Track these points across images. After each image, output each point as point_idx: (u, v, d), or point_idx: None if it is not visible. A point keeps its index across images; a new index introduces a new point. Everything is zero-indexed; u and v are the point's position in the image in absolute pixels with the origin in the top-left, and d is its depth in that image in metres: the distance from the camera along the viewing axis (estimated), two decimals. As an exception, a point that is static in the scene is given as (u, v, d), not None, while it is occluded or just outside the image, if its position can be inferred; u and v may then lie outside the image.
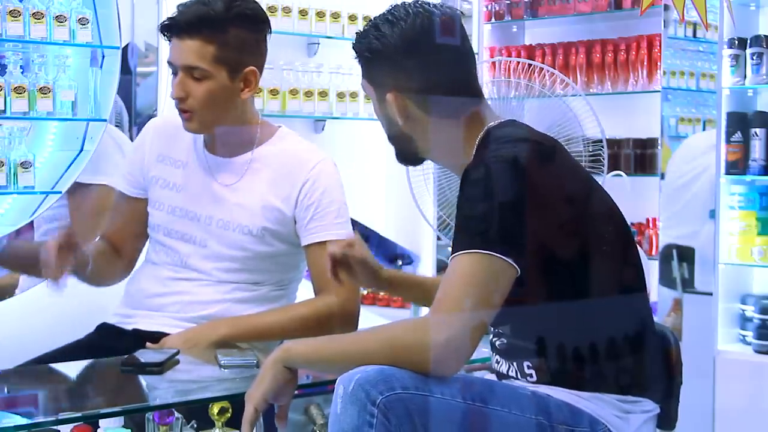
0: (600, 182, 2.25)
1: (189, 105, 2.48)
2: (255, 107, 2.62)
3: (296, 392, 1.91)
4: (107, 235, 2.71)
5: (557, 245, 1.84)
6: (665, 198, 4.33)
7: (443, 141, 2.00)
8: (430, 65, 1.95)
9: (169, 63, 2.50)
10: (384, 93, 1.98)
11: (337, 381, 1.74)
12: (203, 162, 2.57)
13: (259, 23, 2.53)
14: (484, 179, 1.82)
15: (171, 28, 2.47)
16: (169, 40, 2.50)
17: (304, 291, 2.65)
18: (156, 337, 2.45)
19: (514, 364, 1.92)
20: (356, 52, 2.02)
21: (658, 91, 4.41)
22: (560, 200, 1.86)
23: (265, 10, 2.58)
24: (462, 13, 2.03)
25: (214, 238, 2.52)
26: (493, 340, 1.97)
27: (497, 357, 1.98)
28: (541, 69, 3.43)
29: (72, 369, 2.34)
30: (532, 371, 1.89)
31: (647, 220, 4.50)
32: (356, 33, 2.03)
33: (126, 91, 3.68)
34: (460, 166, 1.93)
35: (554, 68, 4.71)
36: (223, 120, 2.52)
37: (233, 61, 2.47)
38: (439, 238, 4.23)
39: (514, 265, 1.76)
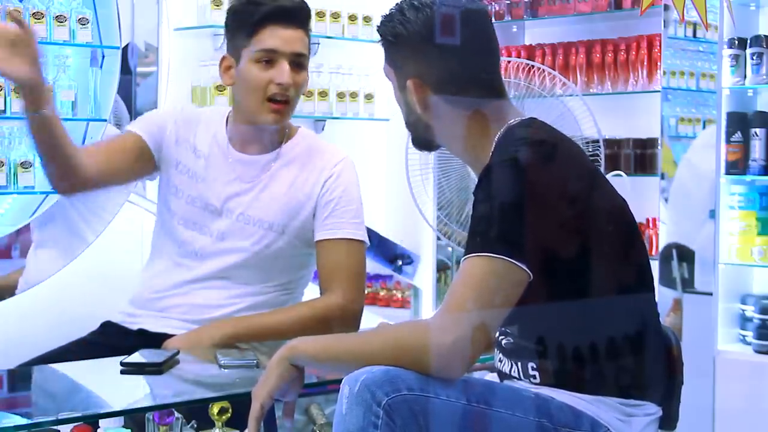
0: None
1: (290, 94, 2.49)
2: None
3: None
4: (91, 146, 2.64)
5: (571, 250, 1.82)
6: (689, 200, 4.32)
7: (461, 133, 1.97)
8: (453, 55, 1.94)
9: (269, 51, 2.46)
10: (404, 79, 1.96)
11: (342, 381, 1.74)
12: (227, 158, 2.57)
13: None
14: (500, 181, 1.81)
15: (278, 15, 2.46)
16: (253, 29, 2.46)
17: (309, 293, 2.66)
18: (161, 338, 2.46)
19: (518, 364, 1.92)
20: (380, 35, 2.00)
21: (658, 91, 4.41)
22: (575, 205, 1.83)
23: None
24: None
25: (233, 231, 2.52)
26: (500, 338, 1.96)
27: (501, 356, 1.98)
28: (539, 69, 3.43)
29: (72, 369, 2.34)
30: (536, 372, 1.89)
31: (647, 220, 4.49)
32: (381, 16, 2.00)
33: (126, 91, 3.68)
34: (477, 160, 1.93)
35: (554, 68, 4.73)
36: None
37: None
38: (439, 238, 4.23)
39: (526, 269, 1.75)
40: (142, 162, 2.59)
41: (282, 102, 2.48)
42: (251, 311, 2.51)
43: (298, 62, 2.49)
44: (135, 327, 2.54)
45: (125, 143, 2.59)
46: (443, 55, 1.93)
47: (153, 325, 2.52)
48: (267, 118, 2.50)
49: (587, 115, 3.41)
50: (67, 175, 2.44)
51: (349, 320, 2.50)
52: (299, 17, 2.50)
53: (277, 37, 2.46)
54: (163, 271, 2.58)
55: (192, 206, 2.56)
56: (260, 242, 2.52)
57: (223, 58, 2.56)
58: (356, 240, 2.54)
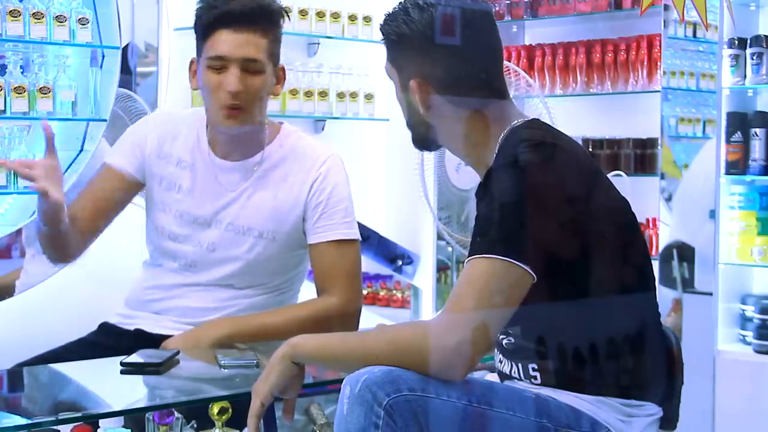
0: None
1: (242, 100, 2.43)
2: None
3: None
4: (78, 203, 2.60)
5: (574, 251, 1.81)
6: (698, 198, 4.30)
7: (464, 134, 1.96)
8: (457, 56, 1.93)
9: (216, 57, 2.41)
10: (407, 79, 1.95)
11: (343, 381, 1.74)
12: (210, 166, 2.54)
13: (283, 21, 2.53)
14: (507, 183, 1.80)
15: (226, 19, 2.41)
16: (206, 34, 2.43)
17: (307, 291, 2.66)
18: (157, 338, 2.46)
19: (519, 365, 1.92)
20: (383, 35, 1.98)
21: (658, 91, 4.41)
22: (579, 207, 1.83)
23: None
24: None
25: (223, 241, 2.51)
26: (501, 338, 1.95)
27: (501, 356, 1.98)
28: (506, 68, 3.46)
29: (72, 369, 2.34)
30: (537, 373, 1.89)
31: (647, 220, 4.50)
32: (385, 14, 1.98)
33: (126, 92, 3.68)
34: (479, 161, 1.93)
35: (554, 68, 4.75)
36: (258, 117, 2.50)
37: (276, 56, 2.48)
38: (439, 238, 4.23)
39: (531, 272, 1.75)
40: (129, 191, 2.60)
41: (235, 108, 2.43)
42: (247, 312, 2.50)
43: (251, 67, 2.42)
44: (132, 327, 2.54)
45: (110, 185, 2.58)
46: (447, 56, 1.92)
47: (149, 326, 2.52)
48: (223, 124, 2.46)
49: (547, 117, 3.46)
50: (68, 254, 2.56)
51: (347, 321, 2.49)
52: (251, 20, 2.42)
53: (225, 42, 2.41)
54: (156, 276, 2.58)
55: (181, 220, 2.54)
56: (252, 250, 2.50)
57: (192, 62, 2.53)
58: (349, 240, 2.53)
